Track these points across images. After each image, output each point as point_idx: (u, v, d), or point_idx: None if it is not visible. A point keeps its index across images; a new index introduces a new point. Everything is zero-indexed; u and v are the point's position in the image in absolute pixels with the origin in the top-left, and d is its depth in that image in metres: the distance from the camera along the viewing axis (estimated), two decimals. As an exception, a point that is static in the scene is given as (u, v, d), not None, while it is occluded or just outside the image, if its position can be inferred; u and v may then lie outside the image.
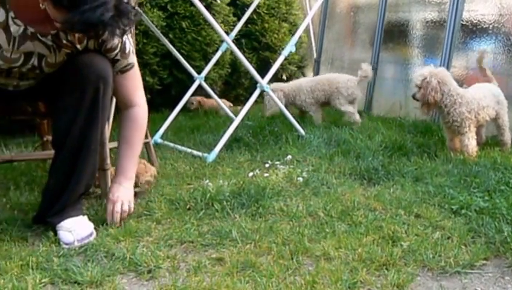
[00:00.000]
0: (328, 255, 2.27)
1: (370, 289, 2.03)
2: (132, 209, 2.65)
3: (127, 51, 2.51)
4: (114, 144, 2.97)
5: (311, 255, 2.28)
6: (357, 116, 4.85)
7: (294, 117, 4.37)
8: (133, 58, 2.58)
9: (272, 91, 4.83)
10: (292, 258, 2.24)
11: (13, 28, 2.23)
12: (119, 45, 2.47)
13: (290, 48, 4.24)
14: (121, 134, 2.69)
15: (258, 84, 4.11)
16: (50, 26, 2.22)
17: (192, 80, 4.84)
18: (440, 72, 3.73)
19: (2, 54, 2.26)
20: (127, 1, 2.12)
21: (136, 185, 2.92)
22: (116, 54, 2.48)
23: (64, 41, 2.34)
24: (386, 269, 2.16)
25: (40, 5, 2.07)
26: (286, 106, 4.52)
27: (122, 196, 2.62)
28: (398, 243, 2.39)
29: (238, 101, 6.08)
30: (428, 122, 4.69)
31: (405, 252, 2.30)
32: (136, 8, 2.35)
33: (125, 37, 2.48)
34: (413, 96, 3.78)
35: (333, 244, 2.36)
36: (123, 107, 2.68)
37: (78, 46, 2.40)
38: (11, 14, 2.21)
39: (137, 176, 2.92)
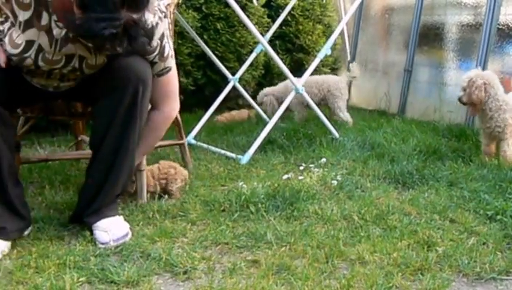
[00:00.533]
0: (363, 259, 2.27)
1: (405, 294, 2.03)
2: None
3: (165, 55, 2.53)
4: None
5: (346, 259, 2.29)
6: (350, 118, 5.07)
7: (329, 119, 4.36)
8: (171, 62, 2.59)
9: (265, 96, 4.90)
10: (327, 262, 2.24)
11: (55, 31, 2.27)
12: (158, 48, 2.50)
13: (325, 50, 4.23)
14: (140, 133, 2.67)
15: (293, 87, 4.12)
16: None
17: (225, 80, 4.86)
18: (487, 74, 3.71)
19: (44, 56, 2.30)
20: (150, 25, 2.14)
21: (166, 193, 2.96)
22: (155, 57, 2.50)
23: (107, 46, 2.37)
24: (421, 274, 2.16)
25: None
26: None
27: None
28: (433, 248, 2.38)
29: (271, 102, 6.08)
30: (463, 126, 4.65)
31: (440, 258, 2.29)
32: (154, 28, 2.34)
33: (165, 40, 2.51)
34: (460, 100, 3.74)
35: (368, 249, 2.36)
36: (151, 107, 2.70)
37: (118, 48, 2.42)
38: (54, 17, 2.25)
39: (167, 184, 2.96)
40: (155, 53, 2.49)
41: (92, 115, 2.68)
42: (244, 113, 5.40)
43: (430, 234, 2.50)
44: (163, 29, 2.48)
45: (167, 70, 2.58)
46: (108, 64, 2.44)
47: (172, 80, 2.65)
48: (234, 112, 5.37)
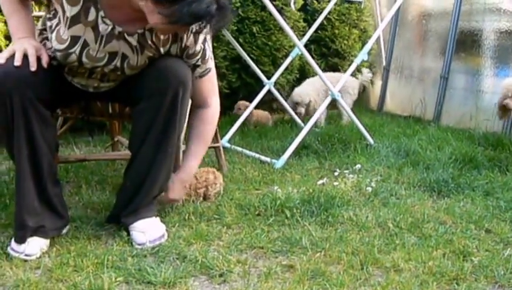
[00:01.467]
0: (397, 267, 2.27)
1: (441, 304, 2.03)
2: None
3: (206, 58, 2.58)
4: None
5: (380, 266, 2.28)
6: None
7: (364, 126, 4.35)
8: (211, 64, 2.65)
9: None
10: (362, 269, 2.24)
11: (101, 27, 2.31)
12: (201, 52, 2.54)
13: (362, 56, 4.23)
14: (193, 132, 2.76)
15: (330, 93, 4.12)
16: (138, 25, 2.33)
17: (260, 84, 4.88)
18: None
19: (88, 52, 2.34)
20: None
21: (205, 197, 2.99)
22: (197, 60, 2.54)
23: (149, 42, 2.41)
24: (457, 283, 2.15)
25: (140, 2, 2.14)
26: None
27: (179, 194, 2.82)
28: (469, 258, 2.37)
29: (305, 107, 6.09)
30: (500, 135, 4.60)
31: (476, 268, 2.28)
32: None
33: (206, 45, 2.56)
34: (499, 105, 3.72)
35: (403, 257, 2.35)
36: (196, 106, 2.76)
37: (161, 50, 2.45)
38: (101, 13, 2.29)
39: (206, 188, 2.98)
40: (198, 57, 2.53)
41: (130, 116, 2.71)
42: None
43: (465, 244, 2.48)
44: (205, 33, 2.50)
45: (208, 71, 2.65)
46: (149, 67, 2.48)
47: (214, 78, 2.75)
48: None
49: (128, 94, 2.55)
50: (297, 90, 5.35)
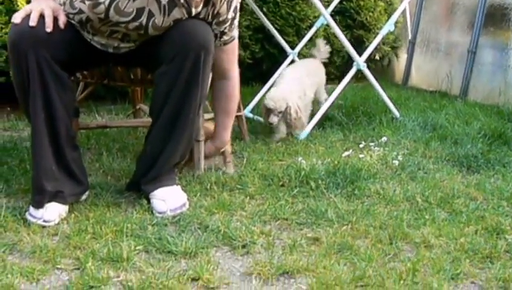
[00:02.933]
0: (428, 242, 2.19)
1: (474, 282, 1.94)
2: None
3: (234, 25, 2.51)
4: (208, 115, 2.95)
5: (410, 242, 2.20)
6: None
7: (390, 98, 4.24)
8: (236, 33, 2.60)
9: None
10: (391, 243, 2.16)
11: None
12: (231, 19, 2.50)
13: (388, 26, 4.10)
14: (218, 105, 2.78)
15: (355, 63, 4.01)
16: None
17: (283, 54, 4.77)
18: None
19: (116, 6, 2.27)
20: None
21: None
22: (225, 27, 2.48)
23: (182, 0, 2.33)
24: (491, 262, 2.07)
25: None
26: None
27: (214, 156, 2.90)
28: (502, 236, 2.28)
29: (329, 79, 5.95)
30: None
31: (510, 246, 2.19)
32: None
33: (236, 12, 2.52)
34: None
35: (433, 232, 2.27)
36: (217, 78, 2.72)
37: (193, 10, 2.37)
38: None
39: None
40: (227, 24, 2.47)
41: (152, 82, 2.64)
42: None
43: (498, 221, 2.39)
44: (236, 1, 2.48)
45: (232, 39, 2.59)
46: (172, 29, 2.40)
47: (236, 48, 2.70)
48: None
49: (149, 57, 2.48)
50: (271, 94, 3.66)
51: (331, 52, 5.71)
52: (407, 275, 1.91)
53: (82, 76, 2.85)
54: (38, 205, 2.30)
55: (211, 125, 2.91)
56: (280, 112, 3.58)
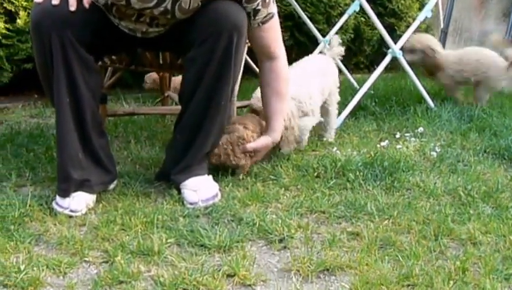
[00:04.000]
0: (474, 239, 2.06)
1: (529, 284, 1.81)
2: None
3: (268, 1, 2.36)
4: (240, 103, 2.84)
5: (455, 238, 2.08)
6: None
7: (424, 88, 4.10)
8: (273, 8, 2.43)
9: None
10: (436, 239, 2.04)
11: None
12: None
13: (425, 13, 3.97)
14: (268, 89, 2.59)
15: (390, 50, 3.87)
16: None
17: (313, 43, 4.67)
18: None
19: None
20: None
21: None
22: (258, 4, 2.33)
23: None
24: (544, 261, 1.93)
25: None
26: None
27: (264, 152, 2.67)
28: (555, 234, 2.14)
29: (358, 68, 5.85)
30: None
31: None
32: None
33: None
34: None
35: (479, 228, 2.14)
36: (264, 60, 2.56)
37: None
38: None
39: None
40: (258, 0, 2.32)
41: (181, 68, 2.53)
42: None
43: (548, 217, 2.26)
44: None
45: (270, 16, 2.42)
46: (201, 11, 2.28)
47: (277, 24, 2.52)
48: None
49: (179, 41, 2.37)
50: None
51: (361, 41, 5.64)
52: (457, 275, 1.79)
53: (110, 61, 2.77)
54: (65, 193, 2.21)
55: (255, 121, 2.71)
56: None
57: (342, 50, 3.57)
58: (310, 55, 3.49)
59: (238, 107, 2.79)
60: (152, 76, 3.90)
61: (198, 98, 2.33)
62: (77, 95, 2.18)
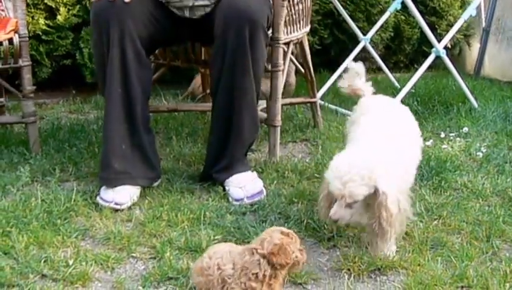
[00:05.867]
0: (528, 241, 2.01)
1: None
2: None
3: None
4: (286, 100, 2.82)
5: (508, 240, 2.05)
6: None
7: (468, 87, 4.03)
8: None
9: None
10: (488, 241, 2.01)
11: None
12: None
13: (470, 11, 3.89)
14: None
15: (434, 49, 3.81)
16: None
17: (353, 41, 4.61)
18: None
19: None
20: None
21: None
22: None
23: None
24: None
25: None
26: None
27: None
28: None
29: (397, 67, 5.77)
30: None
31: None
32: None
33: None
34: None
35: (531, 230, 2.09)
36: None
37: None
38: None
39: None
40: None
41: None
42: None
43: None
44: None
45: None
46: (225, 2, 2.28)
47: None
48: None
49: (208, 33, 2.36)
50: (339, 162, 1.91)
51: (401, 40, 5.56)
52: (513, 278, 1.74)
53: (154, 57, 2.76)
54: (106, 182, 2.23)
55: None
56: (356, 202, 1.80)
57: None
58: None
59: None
60: (198, 81, 3.88)
61: (222, 90, 2.33)
62: (129, 87, 2.20)
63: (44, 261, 1.80)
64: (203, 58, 2.75)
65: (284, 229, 1.59)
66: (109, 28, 2.13)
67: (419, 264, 1.80)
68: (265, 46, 2.37)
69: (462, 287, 1.71)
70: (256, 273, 1.52)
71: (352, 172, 1.73)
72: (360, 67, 2.38)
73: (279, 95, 2.66)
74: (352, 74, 2.38)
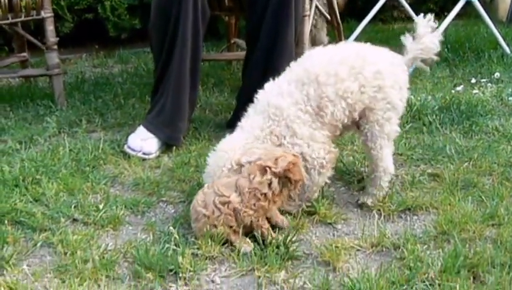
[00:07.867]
0: (558, 182, 1.98)
1: None
2: None
3: None
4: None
5: (539, 181, 2.00)
6: None
7: (500, 33, 3.94)
8: None
9: None
10: (519, 181, 1.97)
11: None
12: None
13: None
14: None
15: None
16: None
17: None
18: None
19: None
20: None
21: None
22: None
23: None
24: None
25: None
26: None
27: None
28: None
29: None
30: None
31: None
32: None
33: None
34: None
35: (563, 171, 2.05)
36: None
37: None
38: None
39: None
40: None
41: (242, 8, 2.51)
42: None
43: None
44: None
45: None
46: None
47: None
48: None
49: None
50: None
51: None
52: (545, 216, 1.72)
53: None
54: (171, 140, 2.28)
55: None
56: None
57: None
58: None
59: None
60: None
61: (263, 38, 2.30)
62: (199, 42, 2.24)
63: (75, 207, 1.82)
64: (227, 5, 2.72)
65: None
66: None
67: (449, 204, 1.78)
68: None
69: (492, 225, 1.68)
70: (265, 193, 1.57)
71: None
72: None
73: (306, 41, 2.62)
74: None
